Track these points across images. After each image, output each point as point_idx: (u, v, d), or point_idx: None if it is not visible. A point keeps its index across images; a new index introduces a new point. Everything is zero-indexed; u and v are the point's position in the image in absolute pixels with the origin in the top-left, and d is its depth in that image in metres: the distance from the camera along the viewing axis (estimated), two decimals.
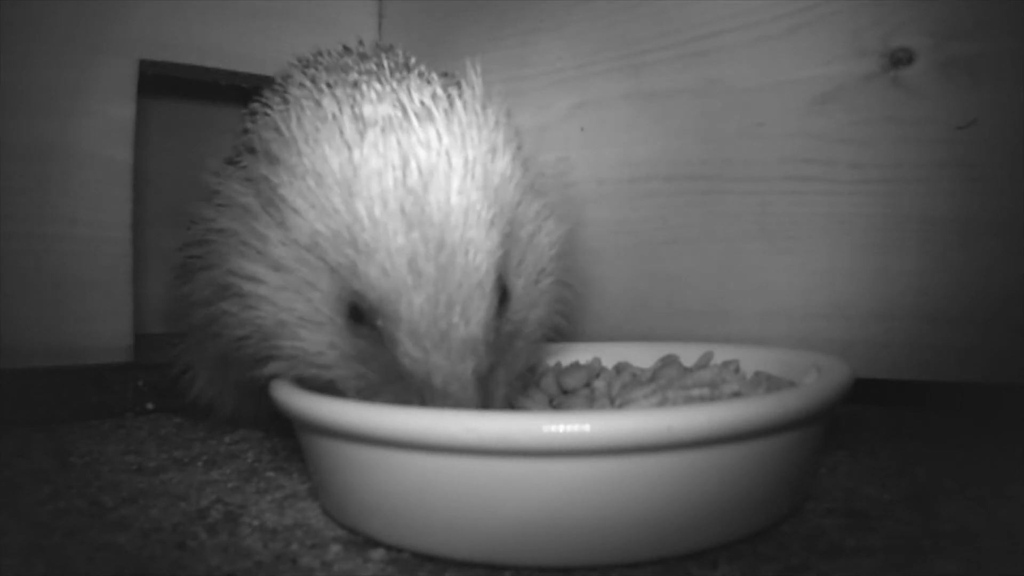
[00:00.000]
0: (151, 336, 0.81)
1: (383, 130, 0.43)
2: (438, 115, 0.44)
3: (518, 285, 0.46)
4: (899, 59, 0.61)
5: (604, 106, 0.77)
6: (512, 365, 0.46)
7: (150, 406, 0.73)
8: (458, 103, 0.46)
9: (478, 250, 0.41)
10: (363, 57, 0.58)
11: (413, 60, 0.58)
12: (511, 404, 0.50)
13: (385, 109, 0.45)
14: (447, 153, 0.43)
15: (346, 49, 0.61)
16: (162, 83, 0.82)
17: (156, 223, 0.87)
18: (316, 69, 0.56)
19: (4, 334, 0.69)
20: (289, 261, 0.44)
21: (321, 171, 0.43)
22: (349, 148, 0.43)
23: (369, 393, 0.43)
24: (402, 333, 0.41)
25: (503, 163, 0.45)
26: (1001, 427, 0.56)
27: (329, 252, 0.42)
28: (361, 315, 0.42)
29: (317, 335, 0.44)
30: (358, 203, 0.41)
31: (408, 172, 0.42)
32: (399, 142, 0.42)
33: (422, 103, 0.45)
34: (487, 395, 0.42)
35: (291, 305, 0.45)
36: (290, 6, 0.87)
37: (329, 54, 0.61)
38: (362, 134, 0.43)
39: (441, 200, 0.41)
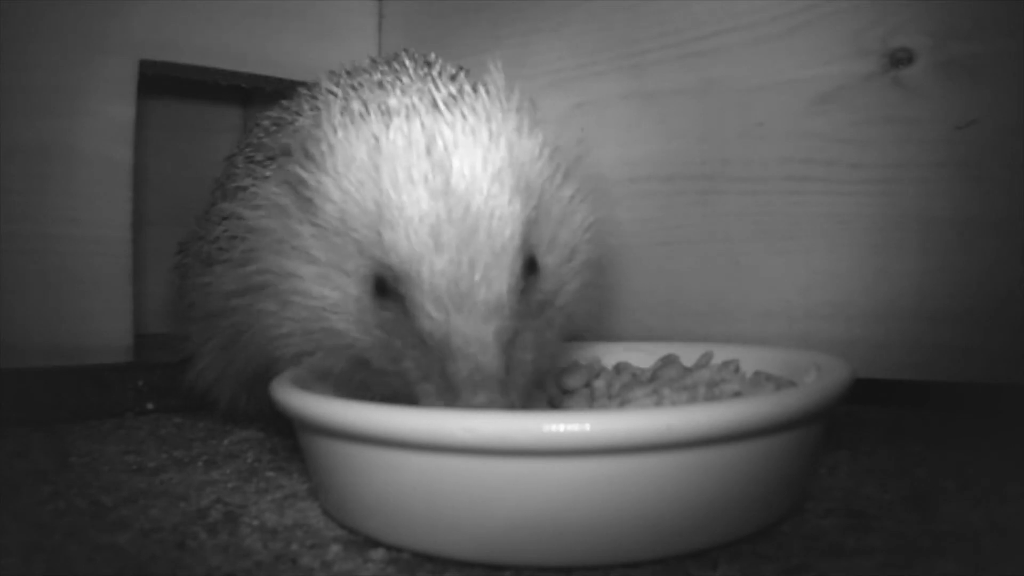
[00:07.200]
0: (151, 336, 0.81)
1: (407, 117, 0.45)
2: (463, 99, 0.46)
3: (549, 263, 0.47)
4: (899, 59, 0.61)
5: (604, 106, 0.77)
6: (543, 333, 0.46)
7: (150, 406, 0.73)
8: (482, 89, 0.48)
9: (501, 216, 0.42)
10: (385, 62, 0.59)
11: (433, 56, 0.59)
12: (551, 399, 0.51)
13: (410, 99, 0.47)
14: (472, 129, 0.44)
15: (372, 61, 0.63)
16: (162, 83, 0.82)
17: (156, 223, 0.88)
18: (342, 76, 0.59)
19: (4, 334, 0.69)
20: (319, 251, 0.46)
21: (349, 157, 0.45)
22: (376, 134, 0.45)
23: (395, 364, 0.44)
24: (423, 296, 0.41)
25: (529, 142, 0.47)
26: (1001, 427, 0.56)
27: (358, 230, 0.44)
28: (387, 289, 0.43)
29: (346, 317, 0.45)
30: (384, 179, 0.43)
31: (433, 148, 0.43)
32: (424, 124, 0.44)
33: (449, 92, 0.47)
34: (511, 359, 0.41)
35: (323, 293, 0.46)
36: (290, 6, 0.87)
37: (354, 65, 0.62)
38: (388, 122, 0.45)
39: (465, 169, 0.42)
